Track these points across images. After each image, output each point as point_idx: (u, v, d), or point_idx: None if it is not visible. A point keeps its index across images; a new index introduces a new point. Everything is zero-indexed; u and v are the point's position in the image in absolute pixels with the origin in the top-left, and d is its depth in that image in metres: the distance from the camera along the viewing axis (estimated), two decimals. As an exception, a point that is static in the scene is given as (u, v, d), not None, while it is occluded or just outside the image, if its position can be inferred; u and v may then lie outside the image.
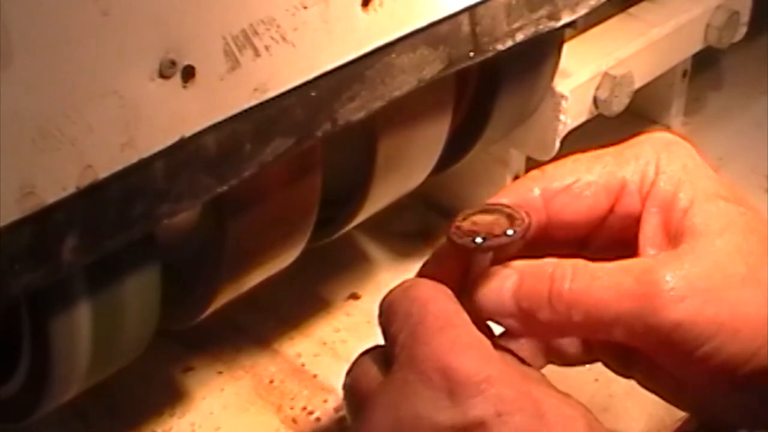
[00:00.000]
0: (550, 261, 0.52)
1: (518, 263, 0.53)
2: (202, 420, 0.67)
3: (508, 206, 0.53)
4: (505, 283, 0.52)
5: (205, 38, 0.46)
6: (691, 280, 0.51)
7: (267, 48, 0.48)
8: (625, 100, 0.76)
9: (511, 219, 0.52)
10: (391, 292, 0.52)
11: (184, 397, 0.68)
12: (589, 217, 0.55)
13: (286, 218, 0.60)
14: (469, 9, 0.58)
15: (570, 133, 0.75)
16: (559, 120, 0.74)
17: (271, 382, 0.69)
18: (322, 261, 0.74)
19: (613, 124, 0.80)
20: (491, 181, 0.79)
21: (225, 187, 0.50)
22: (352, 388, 0.52)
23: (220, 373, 0.70)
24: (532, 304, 0.52)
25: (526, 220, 0.52)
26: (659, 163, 0.54)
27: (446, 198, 0.82)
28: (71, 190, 0.44)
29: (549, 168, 0.55)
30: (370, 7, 0.52)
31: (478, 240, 0.52)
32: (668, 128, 0.91)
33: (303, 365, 0.71)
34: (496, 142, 0.75)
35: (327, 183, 0.60)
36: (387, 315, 0.52)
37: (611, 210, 0.55)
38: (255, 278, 0.61)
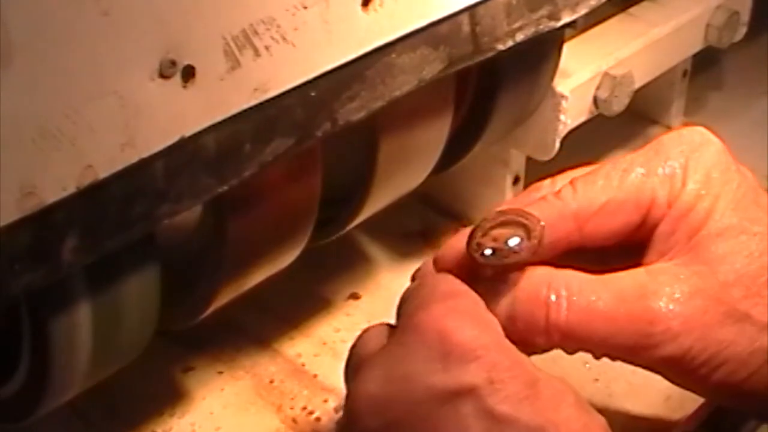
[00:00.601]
0: (543, 278, 0.52)
1: (514, 279, 0.53)
2: (202, 420, 0.67)
3: (526, 215, 0.53)
4: (500, 305, 0.52)
5: (206, 38, 0.46)
6: (685, 317, 0.51)
7: (267, 48, 0.48)
8: (625, 100, 0.76)
9: (527, 231, 0.52)
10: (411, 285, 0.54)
11: (184, 397, 0.68)
12: (621, 233, 0.55)
13: (286, 218, 0.60)
14: (469, 9, 0.58)
15: (570, 133, 0.75)
16: (559, 120, 0.74)
17: (271, 382, 0.69)
18: (322, 261, 0.74)
19: (613, 124, 0.80)
20: (491, 181, 0.79)
21: (225, 187, 0.50)
22: (354, 353, 0.53)
23: (220, 373, 0.70)
24: (528, 329, 0.52)
25: (539, 240, 0.52)
26: (686, 172, 0.54)
27: (446, 198, 0.82)
28: (71, 190, 0.44)
29: (580, 186, 0.55)
30: (370, 7, 0.52)
31: (488, 252, 0.52)
32: (668, 128, 0.91)
33: (303, 365, 0.70)
34: (496, 142, 0.75)
35: (327, 183, 0.60)
36: (401, 300, 0.53)
37: (643, 222, 0.54)
38: (255, 278, 0.61)
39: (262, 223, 0.58)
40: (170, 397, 0.68)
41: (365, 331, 0.54)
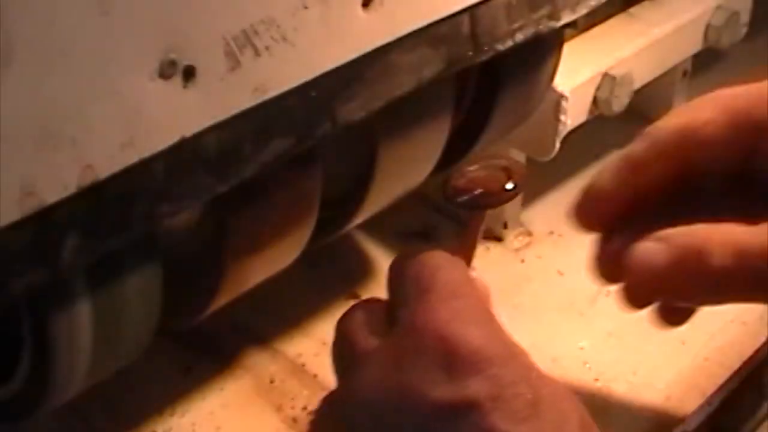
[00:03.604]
0: (700, 233, 0.49)
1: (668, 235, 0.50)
2: (202, 420, 0.67)
3: (504, 159, 0.52)
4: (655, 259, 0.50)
5: (206, 38, 0.46)
6: None
7: (267, 48, 0.48)
8: (625, 100, 0.76)
9: (507, 172, 0.51)
10: (402, 254, 0.51)
11: (184, 397, 0.68)
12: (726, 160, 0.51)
13: (286, 218, 0.60)
14: (469, 9, 0.58)
15: (570, 133, 0.75)
16: (559, 120, 0.74)
17: (272, 381, 0.69)
18: (322, 261, 0.74)
19: (613, 124, 0.80)
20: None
21: (225, 187, 0.50)
22: (345, 342, 0.50)
23: (220, 373, 0.70)
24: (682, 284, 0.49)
25: (517, 183, 0.50)
26: None
27: (446, 198, 0.82)
28: (72, 190, 0.44)
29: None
30: (371, 6, 0.52)
31: (461, 195, 0.51)
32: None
33: (303, 365, 0.71)
34: (496, 142, 0.75)
35: (327, 183, 0.60)
36: (396, 277, 0.50)
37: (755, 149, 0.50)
38: (255, 278, 0.61)
39: (262, 223, 0.58)
40: (170, 397, 0.68)
41: (353, 308, 0.51)
